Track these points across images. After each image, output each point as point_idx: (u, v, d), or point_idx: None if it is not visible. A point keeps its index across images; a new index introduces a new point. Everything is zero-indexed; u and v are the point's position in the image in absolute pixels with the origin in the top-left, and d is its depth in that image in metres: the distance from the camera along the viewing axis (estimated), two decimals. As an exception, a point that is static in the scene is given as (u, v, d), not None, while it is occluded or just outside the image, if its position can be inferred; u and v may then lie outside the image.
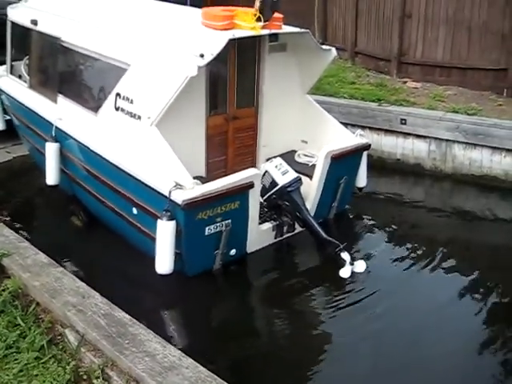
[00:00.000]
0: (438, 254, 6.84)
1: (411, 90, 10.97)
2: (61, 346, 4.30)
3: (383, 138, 9.58)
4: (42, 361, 4.10)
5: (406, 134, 9.52)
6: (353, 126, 7.60)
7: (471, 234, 7.72)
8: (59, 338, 4.39)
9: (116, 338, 4.12)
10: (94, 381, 3.88)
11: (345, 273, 6.19)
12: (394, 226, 7.61)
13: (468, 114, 9.20)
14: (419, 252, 6.95)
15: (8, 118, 9.21)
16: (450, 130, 9.02)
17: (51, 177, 7.35)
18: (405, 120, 9.43)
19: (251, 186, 6.04)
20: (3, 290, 4.81)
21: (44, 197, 8.26)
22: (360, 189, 7.67)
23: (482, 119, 8.97)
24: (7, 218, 7.31)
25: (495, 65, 10.33)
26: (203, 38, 6.16)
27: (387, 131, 9.65)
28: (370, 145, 7.49)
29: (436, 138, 9.23)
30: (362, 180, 7.58)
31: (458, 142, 9.02)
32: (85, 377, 3.97)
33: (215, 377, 3.82)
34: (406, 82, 11.40)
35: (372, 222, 7.72)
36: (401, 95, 10.48)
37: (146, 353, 3.97)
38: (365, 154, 7.44)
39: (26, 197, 8.56)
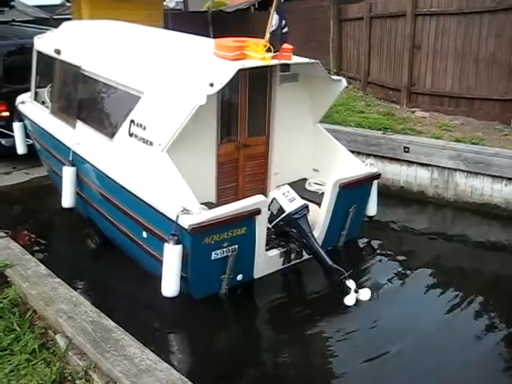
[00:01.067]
0: (441, 282, 6.68)
1: (419, 119, 10.92)
2: (51, 350, 4.53)
3: (387, 166, 9.49)
4: (32, 363, 4.34)
5: (410, 162, 9.46)
6: (358, 153, 7.53)
7: (474, 263, 7.50)
8: (51, 342, 4.63)
9: (100, 342, 4.35)
10: (77, 381, 4.16)
11: (349, 300, 6.00)
12: (399, 254, 7.40)
13: (472, 143, 9.11)
14: (424, 280, 6.77)
15: (30, 142, 9.29)
16: (452, 158, 8.96)
17: (67, 200, 7.37)
18: (408, 148, 9.38)
19: (258, 212, 5.95)
20: (4, 298, 5.09)
21: (60, 218, 8.30)
22: (370, 217, 7.51)
23: (483, 148, 8.91)
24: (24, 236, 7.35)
25: (502, 95, 10.20)
26: (214, 68, 6.14)
27: (391, 159, 9.61)
28: (379, 174, 7.39)
29: (438, 167, 9.15)
30: (372, 209, 7.45)
31: (460, 170, 8.94)
32: (69, 378, 4.21)
33: (185, 380, 4.00)
34: (414, 112, 11.36)
35: (379, 251, 7.55)
36: (407, 124, 10.43)
37: (125, 356, 4.20)
38: (375, 183, 7.31)
39: (43, 217, 8.60)
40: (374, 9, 13.23)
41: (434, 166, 9.15)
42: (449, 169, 9.01)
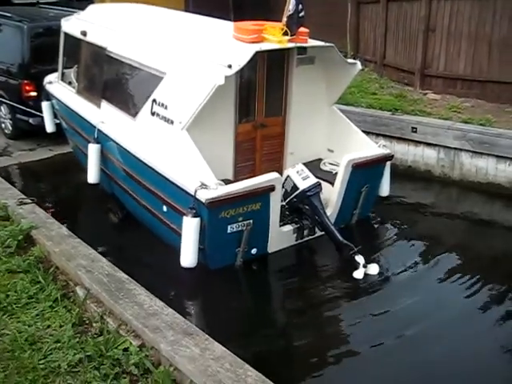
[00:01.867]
0: (445, 259, 6.80)
1: (430, 101, 10.94)
2: (72, 299, 4.94)
3: (395, 146, 9.58)
4: (55, 309, 4.75)
5: (417, 142, 9.55)
6: (367, 133, 7.68)
7: (479, 240, 7.60)
8: (71, 293, 5.02)
9: (114, 291, 4.73)
10: (94, 324, 4.54)
11: (358, 274, 6.24)
12: (408, 232, 7.57)
13: (480, 125, 9.14)
14: (431, 255, 6.90)
15: (57, 121, 9.49)
16: (458, 138, 9.05)
17: (92, 176, 7.58)
18: (415, 128, 9.48)
19: (272, 188, 6.13)
20: (30, 255, 5.45)
21: (82, 192, 8.54)
22: (383, 198, 7.62)
23: (487, 129, 8.98)
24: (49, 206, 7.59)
25: None
26: (233, 50, 6.31)
27: (399, 139, 9.72)
28: (392, 155, 7.49)
29: (445, 147, 9.25)
30: (385, 189, 7.57)
31: (465, 150, 9.03)
32: (87, 321, 4.62)
33: (188, 322, 4.39)
34: (426, 94, 11.35)
35: (389, 228, 7.66)
36: (418, 106, 10.46)
37: (136, 303, 4.58)
38: (388, 164, 7.41)
39: (66, 191, 8.94)
40: (391, -9, 13.16)
41: (441, 145, 9.25)
42: (455, 149, 9.11)
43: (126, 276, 5.04)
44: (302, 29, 6.39)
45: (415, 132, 9.47)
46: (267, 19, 6.79)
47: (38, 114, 9.77)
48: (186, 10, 17.55)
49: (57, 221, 6.31)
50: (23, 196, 6.76)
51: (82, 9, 10.15)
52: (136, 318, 4.37)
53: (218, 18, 8.40)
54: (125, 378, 3.98)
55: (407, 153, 9.65)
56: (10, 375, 3.99)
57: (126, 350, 4.19)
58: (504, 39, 10.18)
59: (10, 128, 10.87)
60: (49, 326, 4.53)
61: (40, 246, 5.65)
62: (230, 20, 7.99)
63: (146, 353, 4.16)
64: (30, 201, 6.57)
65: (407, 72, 12.24)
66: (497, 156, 8.69)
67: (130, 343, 4.25)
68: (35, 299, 4.88)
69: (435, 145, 9.32)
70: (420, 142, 9.50)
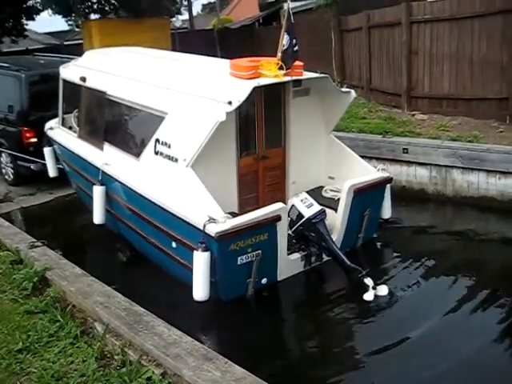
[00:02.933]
0: (450, 276, 6.85)
1: (418, 121, 11.12)
2: (91, 335, 5.02)
3: (389, 167, 9.57)
4: (76, 345, 4.84)
5: (409, 163, 9.71)
6: (360, 157, 7.80)
7: (479, 255, 7.67)
8: (90, 329, 5.11)
9: (133, 324, 4.84)
10: (116, 357, 4.62)
11: (368, 296, 6.26)
12: (411, 252, 7.59)
13: (468, 141, 9.33)
14: (434, 273, 6.98)
15: (60, 165, 9.57)
16: (448, 156, 9.22)
17: (98, 216, 7.61)
18: (406, 149, 9.66)
19: (278, 218, 6.18)
20: (46, 296, 5.55)
21: (87, 232, 8.61)
22: (385, 220, 7.69)
23: (475, 145, 9.17)
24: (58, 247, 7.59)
25: (497, 94, 10.39)
26: (231, 87, 6.42)
27: (392, 160, 9.86)
28: (391, 178, 7.57)
29: (436, 165, 9.40)
30: (386, 212, 7.65)
31: (456, 167, 9.18)
32: (108, 355, 4.69)
33: (206, 348, 4.54)
34: (414, 115, 11.53)
35: (392, 250, 7.78)
36: (407, 127, 10.64)
37: (155, 333, 4.71)
38: (388, 187, 7.50)
39: (71, 232, 8.98)
40: (372, 19, 13.52)
41: (432, 164, 9.40)
42: (446, 166, 9.25)
43: (143, 309, 5.14)
44: (296, 62, 6.51)
45: (406, 153, 9.64)
46: (253, 53, 6.91)
47: (38, 160, 9.84)
48: (173, 49, 17.82)
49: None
50: (33, 239, 6.82)
51: (71, 54, 10.32)
52: (156, 348, 4.49)
53: (205, 55, 8.59)
54: None
55: (400, 173, 9.79)
56: None
57: (149, 378, 4.29)
58: (484, 57, 10.44)
59: (12, 175, 10.92)
60: (72, 362, 4.62)
61: (55, 286, 5.74)
62: (217, 56, 8.18)
63: (169, 379, 4.27)
64: (40, 243, 6.62)
65: (394, 95, 12.50)
66: (487, 170, 8.83)
67: (153, 372, 4.35)
68: (56, 337, 4.96)
69: (427, 164, 9.47)
70: (412, 162, 9.64)
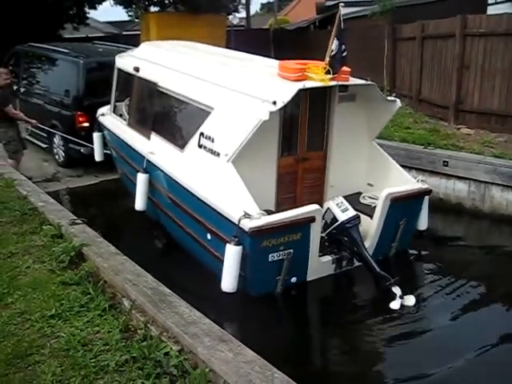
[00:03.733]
0: (480, 291, 6.76)
1: (463, 136, 10.89)
2: (118, 309, 5.19)
3: (428, 179, 9.43)
4: (103, 317, 5.03)
5: (449, 176, 9.59)
6: (401, 166, 7.77)
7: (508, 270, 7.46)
8: (118, 304, 5.29)
9: (157, 302, 4.99)
10: (139, 331, 4.81)
11: (395, 305, 6.21)
12: (444, 264, 7.49)
13: (510, 159, 9.13)
14: (468, 289, 6.83)
15: (106, 151, 9.81)
16: (488, 172, 9.08)
17: (140, 203, 7.78)
18: (447, 162, 9.53)
19: (313, 219, 6.19)
20: (81, 270, 5.77)
21: (126, 217, 8.75)
22: (421, 232, 7.58)
23: None
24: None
25: None
26: (277, 88, 6.45)
27: (431, 172, 9.74)
28: (430, 190, 7.46)
29: (475, 180, 9.27)
30: (423, 223, 7.53)
31: (496, 184, 9.03)
32: (132, 329, 4.89)
33: (223, 331, 4.62)
34: (459, 129, 11.30)
35: (425, 261, 7.65)
36: (451, 140, 10.45)
37: (176, 313, 4.85)
38: (426, 198, 7.39)
39: (113, 216, 9.19)
40: (426, 29, 13.31)
41: (472, 179, 9.27)
42: (485, 182, 9.12)
43: (169, 290, 5.28)
44: (344, 68, 6.51)
45: (447, 165, 9.52)
46: (306, 55, 6.91)
47: (88, 145, 10.17)
48: (228, 46, 17.95)
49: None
50: (74, 217, 7.05)
51: (129, 44, 10.47)
52: (176, 326, 4.66)
53: (259, 54, 8.62)
54: (165, 377, 4.23)
55: (439, 186, 9.66)
56: (66, 370, 4.32)
57: (166, 353, 4.42)
58: None
59: (63, 156, 11.29)
60: (98, 332, 4.81)
61: (90, 261, 5.91)
62: (270, 56, 8.20)
63: (185, 356, 4.41)
64: (80, 222, 6.83)
65: (441, 107, 12.29)
66: None
67: (171, 348, 4.49)
68: (86, 308, 5.18)
69: (466, 178, 9.34)
70: (451, 176, 9.53)
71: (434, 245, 8.09)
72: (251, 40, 22.29)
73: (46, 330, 4.83)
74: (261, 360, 4.19)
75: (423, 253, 7.74)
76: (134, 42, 15.39)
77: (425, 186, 7.27)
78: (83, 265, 5.87)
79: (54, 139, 11.38)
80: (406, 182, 7.22)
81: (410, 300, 6.25)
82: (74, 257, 6.01)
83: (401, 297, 6.20)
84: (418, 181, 7.29)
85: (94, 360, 4.42)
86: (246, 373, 4.02)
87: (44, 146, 11.91)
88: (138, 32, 24.14)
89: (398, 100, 7.26)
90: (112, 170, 9.97)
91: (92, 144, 9.90)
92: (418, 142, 10.29)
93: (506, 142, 10.27)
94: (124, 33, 28.81)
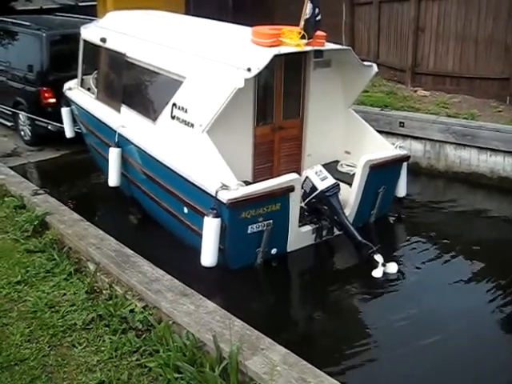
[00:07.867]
0: (458, 254, 6.49)
1: (420, 97, 10.71)
2: (83, 273, 5.25)
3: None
4: (69, 280, 5.09)
5: (405, 136, 9.37)
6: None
7: (462, 228, 7.31)
8: (83, 268, 5.33)
9: (121, 263, 5.04)
10: (104, 291, 4.90)
11: (377, 273, 5.90)
12: (418, 229, 7.16)
13: (464, 119, 9.05)
14: (441, 251, 6.55)
15: (78, 128, 9.10)
16: (442, 131, 8.95)
17: (113, 179, 7.25)
18: (403, 123, 9.35)
19: (292, 189, 5.83)
20: (45, 238, 5.74)
21: (94, 191, 8.51)
22: (400, 198, 7.23)
23: (469, 122, 8.92)
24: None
25: (499, 74, 9.97)
26: (251, 54, 5.99)
27: (388, 133, 9.40)
28: (409, 156, 7.14)
29: (430, 140, 9.14)
30: (401, 190, 7.21)
31: (449, 142, 8.93)
32: (98, 290, 4.97)
33: (185, 286, 4.69)
34: (416, 91, 11.10)
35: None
36: (408, 102, 10.27)
37: (140, 272, 4.92)
38: (404, 164, 7.05)
39: (77, 189, 8.70)
40: (383, -7, 12.96)
41: (427, 139, 9.15)
42: (440, 141, 8.99)
43: (132, 251, 5.27)
44: (319, 32, 6.02)
45: (403, 126, 9.32)
46: (268, 20, 6.33)
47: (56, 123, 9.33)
48: (187, 13, 16.99)
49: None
50: (36, 187, 6.90)
51: (87, 15, 9.60)
52: (140, 284, 4.71)
53: (218, 19, 8.02)
54: (131, 332, 4.30)
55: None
56: (34, 331, 4.39)
57: (132, 310, 4.50)
58: (489, 37, 9.99)
59: (29, 134, 10.38)
60: (65, 294, 4.86)
61: (54, 229, 5.88)
62: (230, 22, 7.63)
63: (149, 311, 4.48)
64: (42, 192, 6.64)
65: (399, 70, 12.01)
66: (478, 147, 8.56)
67: (136, 305, 4.56)
68: (52, 273, 5.18)
69: (421, 138, 9.19)
70: (407, 136, 9.32)
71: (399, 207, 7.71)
72: (209, 6, 21.19)
73: (12, 295, 4.85)
74: (221, 310, 4.29)
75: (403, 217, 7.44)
76: (92, 13, 14.31)
77: (403, 152, 6.95)
78: (47, 233, 5.86)
79: (20, 117, 10.44)
80: (384, 149, 6.85)
81: (393, 267, 5.94)
82: (38, 225, 5.99)
83: (383, 264, 5.89)
84: (396, 147, 6.93)
85: (61, 320, 4.49)
86: (207, 322, 4.12)
87: (9, 124, 10.93)
88: (95, 3, 22.69)
89: (374, 65, 6.81)
90: (74, 143, 9.26)
91: (59, 120, 9.10)
92: (376, 104, 10.01)
93: (460, 102, 10.15)
94: (80, 4, 27.14)
